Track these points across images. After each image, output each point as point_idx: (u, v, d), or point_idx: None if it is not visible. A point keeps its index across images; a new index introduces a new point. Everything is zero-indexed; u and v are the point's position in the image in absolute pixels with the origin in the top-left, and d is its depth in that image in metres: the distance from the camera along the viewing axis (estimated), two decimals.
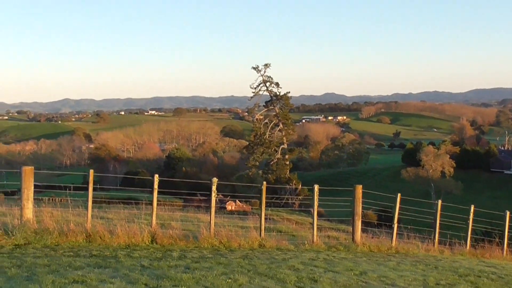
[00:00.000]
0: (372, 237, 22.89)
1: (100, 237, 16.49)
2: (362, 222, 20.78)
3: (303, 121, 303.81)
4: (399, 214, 21.92)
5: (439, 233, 23.63)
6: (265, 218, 19.94)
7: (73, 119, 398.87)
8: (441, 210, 23.58)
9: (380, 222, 42.33)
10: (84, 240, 16.34)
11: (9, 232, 15.82)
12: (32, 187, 16.81)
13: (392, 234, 21.74)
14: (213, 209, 18.45)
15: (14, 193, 63.25)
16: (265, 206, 19.51)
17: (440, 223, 23.63)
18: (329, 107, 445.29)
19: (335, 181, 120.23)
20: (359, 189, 20.16)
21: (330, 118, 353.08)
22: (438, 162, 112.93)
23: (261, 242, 18.41)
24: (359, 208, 20.15)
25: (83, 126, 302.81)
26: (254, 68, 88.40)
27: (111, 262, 13.10)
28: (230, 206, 63.41)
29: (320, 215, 23.31)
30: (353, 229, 20.54)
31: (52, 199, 45.38)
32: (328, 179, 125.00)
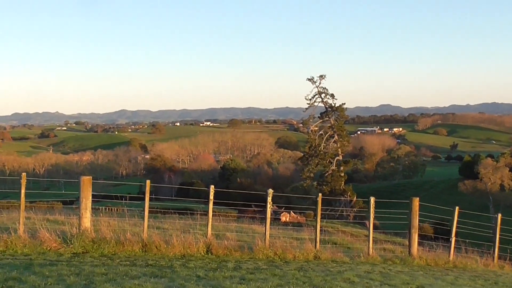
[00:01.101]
0: (429, 251, 22.48)
1: (156, 247, 16.61)
2: (418, 235, 20.43)
3: (358, 132, 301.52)
4: (456, 227, 21.48)
5: (499, 247, 23.04)
6: (320, 230, 19.79)
7: (130, 130, 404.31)
8: (501, 224, 23.00)
9: (436, 235, 41.64)
10: (140, 250, 16.48)
11: (68, 241, 16.07)
12: (90, 197, 17.04)
13: (449, 248, 21.30)
14: (268, 220, 18.40)
15: (72, 202, 64.29)
16: (320, 218, 19.38)
17: (499, 238, 23.05)
18: (385, 118, 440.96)
19: (390, 193, 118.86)
20: (416, 201, 19.84)
21: (385, 129, 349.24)
22: (497, 175, 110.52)
23: (316, 254, 18.28)
24: (415, 221, 19.83)
25: (139, 137, 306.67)
26: (309, 79, 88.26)
27: (167, 272, 13.17)
28: (285, 217, 63.31)
29: (375, 227, 23.05)
30: (409, 242, 20.22)
31: (109, 209, 45.99)
32: (383, 191, 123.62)
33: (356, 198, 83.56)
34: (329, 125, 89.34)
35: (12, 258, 14.32)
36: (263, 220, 20.74)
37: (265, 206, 18.57)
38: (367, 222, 20.03)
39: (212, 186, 18.38)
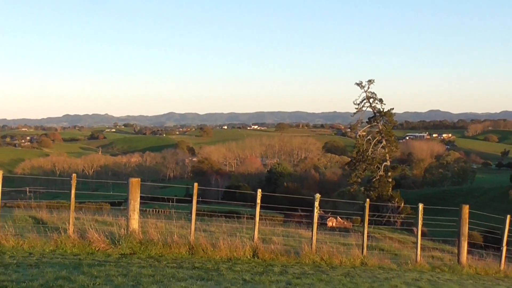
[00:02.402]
0: (478, 259, 22.05)
1: (203, 250, 16.67)
2: (468, 243, 20.07)
3: (407, 138, 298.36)
4: (508, 236, 21.01)
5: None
6: (367, 236, 19.62)
7: (177, 133, 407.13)
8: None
9: (486, 244, 40.89)
10: (187, 252, 16.56)
11: (116, 242, 16.25)
12: (138, 199, 17.20)
13: (500, 257, 20.86)
14: (315, 225, 18.30)
15: (120, 204, 65.11)
16: (367, 224, 19.21)
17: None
18: (434, 124, 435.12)
19: (439, 199, 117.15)
20: (465, 209, 19.50)
21: (434, 135, 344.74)
22: None
23: (363, 260, 18.12)
24: (465, 229, 19.49)
25: (186, 140, 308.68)
26: (357, 84, 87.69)
27: (213, 275, 13.20)
28: (331, 222, 63.00)
29: (423, 234, 22.70)
30: (458, 250, 19.89)
31: (156, 211, 46.47)
32: (431, 198, 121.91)
33: (404, 204, 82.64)
34: (377, 130, 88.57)
35: (62, 257, 14.54)
36: (309, 224, 20.64)
37: (312, 211, 18.48)
38: (415, 228, 19.77)
39: (259, 190, 18.37)
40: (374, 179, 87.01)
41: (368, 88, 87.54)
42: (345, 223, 65.00)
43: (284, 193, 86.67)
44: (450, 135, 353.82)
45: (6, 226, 17.01)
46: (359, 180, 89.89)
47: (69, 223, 17.11)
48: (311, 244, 18.14)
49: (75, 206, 17.61)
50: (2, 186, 17.26)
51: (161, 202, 68.54)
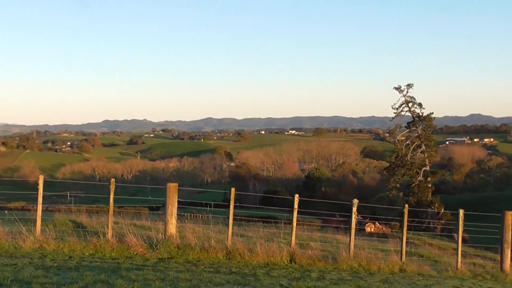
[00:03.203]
0: None
1: (240, 255, 16.69)
2: (511, 250, 19.71)
3: (447, 143, 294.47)
4: None
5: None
6: (406, 242, 19.43)
7: (215, 138, 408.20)
8: None
9: None
10: (224, 257, 16.60)
11: (154, 246, 16.37)
12: (176, 203, 17.30)
13: None
14: (353, 231, 18.21)
15: (158, 208, 65.51)
16: (406, 229, 19.04)
17: None
18: (475, 128, 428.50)
19: (480, 205, 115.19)
20: (508, 215, 19.16)
21: (475, 140, 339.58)
22: None
23: (401, 266, 17.96)
24: (508, 236, 19.15)
25: (224, 145, 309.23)
26: (396, 88, 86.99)
27: (250, 280, 13.20)
28: (369, 228, 62.62)
29: (464, 241, 22.39)
30: (501, 258, 19.56)
31: (194, 216, 46.65)
32: (472, 204, 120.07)
33: (444, 210, 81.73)
34: (416, 134, 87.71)
35: (101, 261, 14.71)
36: (347, 230, 20.54)
37: (350, 216, 18.39)
38: (455, 235, 19.49)
39: (296, 195, 18.35)
40: (413, 185, 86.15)
41: (407, 92, 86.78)
42: (384, 228, 64.54)
43: (322, 198, 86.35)
44: (492, 139, 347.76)
45: (47, 230, 17.28)
46: (398, 185, 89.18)
47: (108, 227, 17.30)
48: (349, 250, 18.04)
49: (114, 211, 17.81)
50: (44, 191, 17.54)
51: (198, 207, 68.91)
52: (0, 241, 16.31)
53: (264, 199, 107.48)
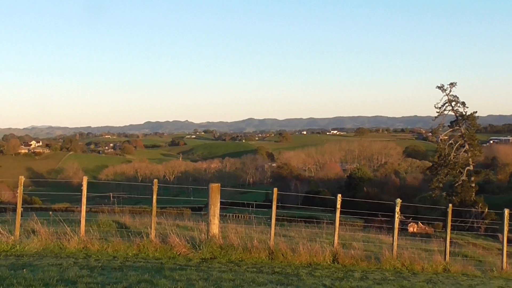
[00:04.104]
0: None
1: (283, 255, 16.69)
2: None
3: (491, 142, 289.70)
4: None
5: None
6: (450, 242, 19.19)
7: (257, 138, 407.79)
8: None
9: None
10: (267, 257, 16.61)
11: (197, 246, 16.47)
12: (219, 204, 17.37)
13: None
14: (396, 231, 18.06)
15: (200, 209, 65.85)
16: (450, 229, 18.81)
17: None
18: None
19: None
20: None
21: None
22: None
23: (445, 266, 17.76)
24: None
25: (266, 145, 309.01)
26: (439, 87, 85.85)
27: (293, 280, 13.19)
28: (412, 228, 61.96)
29: (509, 240, 22.00)
30: None
31: (236, 216, 46.77)
32: None
33: (488, 209, 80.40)
34: (459, 134, 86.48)
35: (144, 261, 14.84)
36: (390, 230, 20.38)
37: (393, 216, 18.25)
38: (500, 235, 19.20)
39: (339, 195, 18.28)
40: (457, 184, 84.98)
41: (450, 91, 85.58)
42: (427, 228, 63.77)
43: (364, 198, 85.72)
44: None
45: (91, 230, 17.51)
46: (441, 185, 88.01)
47: (151, 228, 17.45)
48: (392, 250, 17.91)
49: (156, 211, 17.95)
50: (87, 192, 17.77)
51: (240, 207, 68.96)
52: (45, 241, 16.58)
53: (306, 199, 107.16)
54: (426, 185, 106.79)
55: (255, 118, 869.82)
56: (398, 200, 18.31)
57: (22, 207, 17.66)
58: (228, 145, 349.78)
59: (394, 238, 18.13)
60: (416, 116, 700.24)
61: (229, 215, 45.10)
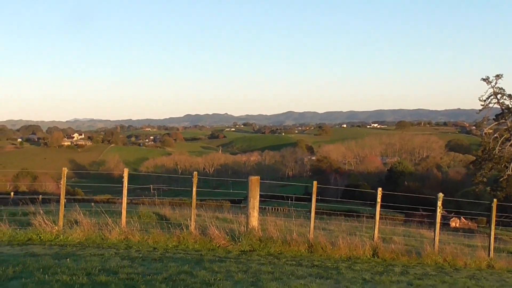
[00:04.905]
0: None
1: (322, 248, 16.61)
2: None
3: None
4: None
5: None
6: (494, 237, 18.86)
7: (296, 131, 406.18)
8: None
9: None
10: (306, 250, 16.56)
11: (236, 239, 16.49)
12: (258, 197, 17.34)
13: None
14: (438, 225, 17.82)
15: (239, 201, 65.98)
16: (495, 225, 18.47)
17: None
18: None
19: None
20: None
21: None
22: None
23: (489, 262, 17.45)
24: None
25: (305, 138, 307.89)
26: (484, 79, 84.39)
27: (333, 273, 13.11)
28: (455, 222, 61.28)
29: None
30: None
31: (275, 209, 46.73)
32: None
33: None
34: (505, 127, 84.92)
35: (184, 253, 14.91)
36: (431, 224, 20.13)
37: (434, 211, 18.01)
38: None
39: (379, 189, 18.10)
40: (502, 179, 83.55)
41: (496, 83, 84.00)
42: (470, 223, 63.01)
43: (405, 193, 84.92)
44: None
45: (132, 222, 17.64)
46: (485, 179, 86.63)
47: (191, 220, 17.51)
48: (434, 245, 17.69)
49: (196, 204, 18.00)
50: (128, 184, 17.91)
51: (280, 200, 68.91)
52: (88, 232, 16.78)
53: (345, 192, 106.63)
54: (469, 180, 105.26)
55: (294, 111, 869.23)
56: (440, 195, 18.06)
57: (65, 198, 17.88)
58: (268, 138, 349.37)
59: (436, 232, 17.90)
60: (459, 109, 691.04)
61: (268, 208, 45.12)
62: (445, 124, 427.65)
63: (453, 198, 75.28)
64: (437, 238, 17.79)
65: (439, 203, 17.78)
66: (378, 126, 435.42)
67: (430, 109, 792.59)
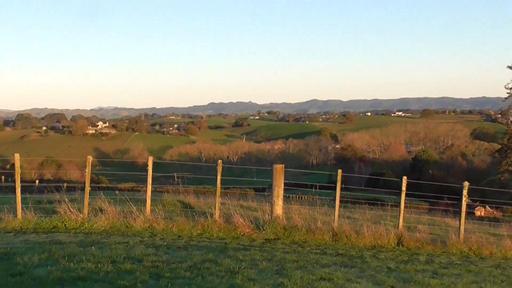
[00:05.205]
0: None
1: (346, 237, 16.60)
2: None
3: None
4: None
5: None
6: None
7: (320, 120, 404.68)
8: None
9: None
10: (331, 239, 16.56)
11: (260, 227, 16.52)
12: (283, 185, 17.35)
13: None
14: (463, 214, 17.71)
15: (263, 190, 65.99)
16: None
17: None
18: None
19: None
20: None
21: None
22: None
23: None
24: None
25: (329, 127, 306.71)
26: (510, 67, 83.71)
27: (357, 262, 13.10)
28: (480, 211, 60.67)
29: None
30: None
31: (299, 197, 46.69)
32: None
33: None
34: None
35: (209, 241, 14.98)
36: (456, 213, 20.00)
37: (459, 200, 17.90)
38: None
39: (404, 177, 18.03)
40: None
41: None
42: (495, 212, 62.31)
43: (429, 181, 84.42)
44: None
45: (156, 210, 17.76)
46: (511, 168, 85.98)
47: (215, 208, 17.57)
48: (459, 234, 17.59)
49: (220, 192, 18.04)
50: (152, 172, 18.01)
51: (304, 189, 68.80)
52: (112, 220, 16.92)
53: (370, 181, 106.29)
54: (495, 168, 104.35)
55: (318, 99, 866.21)
56: (466, 183, 17.93)
57: (90, 186, 18.02)
58: (292, 126, 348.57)
59: (461, 221, 17.79)
60: (484, 97, 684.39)
61: (292, 196, 45.10)
62: (470, 112, 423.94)
63: (478, 187, 74.83)
64: (462, 227, 17.68)
65: (465, 192, 17.67)
66: (403, 115, 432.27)
67: (455, 97, 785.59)
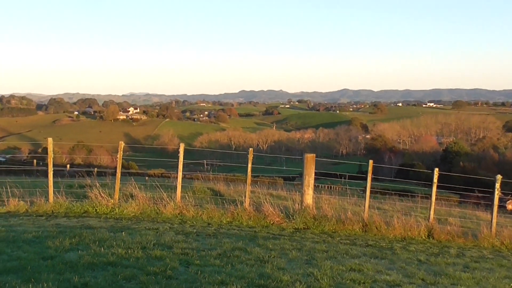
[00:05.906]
0: None
1: (376, 228, 16.52)
2: None
3: None
4: None
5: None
6: None
7: (351, 109, 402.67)
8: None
9: None
10: (360, 229, 16.49)
11: (290, 216, 16.50)
12: (313, 174, 17.30)
13: None
14: (495, 207, 17.50)
15: (293, 179, 65.90)
16: None
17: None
18: None
19: None
20: None
21: None
22: None
23: None
24: None
25: (360, 117, 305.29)
26: None
27: (387, 253, 13.04)
28: (511, 205, 60.03)
29: None
30: None
31: (329, 187, 46.54)
32: None
33: None
34: None
35: (238, 229, 15.01)
36: (487, 206, 19.78)
37: (491, 193, 17.69)
38: None
39: (436, 169, 17.89)
40: None
41: None
42: None
43: (460, 173, 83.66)
44: None
45: (186, 197, 17.82)
46: None
47: (245, 196, 17.59)
48: (491, 227, 17.39)
49: (250, 180, 18.04)
50: (183, 159, 18.06)
51: (333, 178, 68.54)
52: (143, 206, 17.04)
53: (400, 172, 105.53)
54: None
55: (350, 89, 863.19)
56: (499, 176, 17.71)
57: (120, 172, 18.13)
58: (322, 115, 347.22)
59: (493, 215, 17.59)
60: None
61: (321, 186, 44.96)
62: (503, 104, 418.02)
63: (510, 180, 73.92)
64: (494, 221, 17.48)
65: (498, 185, 17.45)
66: (434, 106, 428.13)
67: (488, 89, 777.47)
